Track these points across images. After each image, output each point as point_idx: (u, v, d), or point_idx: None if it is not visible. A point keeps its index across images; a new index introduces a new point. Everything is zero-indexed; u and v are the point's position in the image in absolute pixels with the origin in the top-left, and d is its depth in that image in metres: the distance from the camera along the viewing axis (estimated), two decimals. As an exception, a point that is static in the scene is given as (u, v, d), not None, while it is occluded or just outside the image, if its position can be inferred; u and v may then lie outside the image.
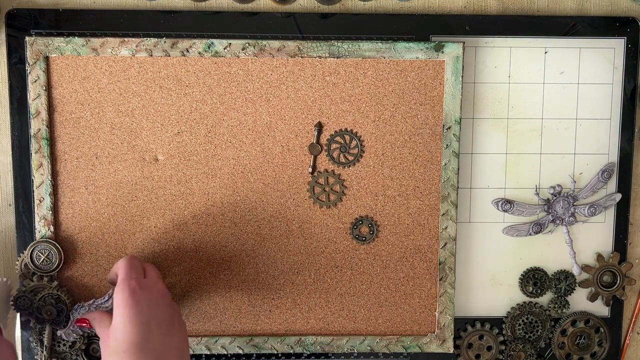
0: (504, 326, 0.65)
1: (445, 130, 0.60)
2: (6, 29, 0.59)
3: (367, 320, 0.63)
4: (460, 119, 0.60)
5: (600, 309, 0.66)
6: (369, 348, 0.62)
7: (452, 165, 0.60)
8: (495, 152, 0.63)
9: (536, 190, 0.63)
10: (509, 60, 0.62)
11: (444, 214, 0.61)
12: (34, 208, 0.60)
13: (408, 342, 0.63)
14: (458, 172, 0.61)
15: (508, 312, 0.65)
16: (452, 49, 0.59)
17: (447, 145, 0.60)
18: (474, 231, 0.64)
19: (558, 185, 0.63)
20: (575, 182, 0.63)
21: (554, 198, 0.63)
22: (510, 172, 0.63)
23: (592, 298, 0.65)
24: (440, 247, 0.62)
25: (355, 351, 0.63)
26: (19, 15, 0.59)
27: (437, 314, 0.63)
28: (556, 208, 0.63)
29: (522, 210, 0.63)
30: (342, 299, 0.63)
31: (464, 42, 0.59)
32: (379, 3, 0.61)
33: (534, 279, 0.64)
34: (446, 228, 0.61)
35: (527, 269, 0.64)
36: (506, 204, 0.63)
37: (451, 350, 0.63)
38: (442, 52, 0.59)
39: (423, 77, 0.60)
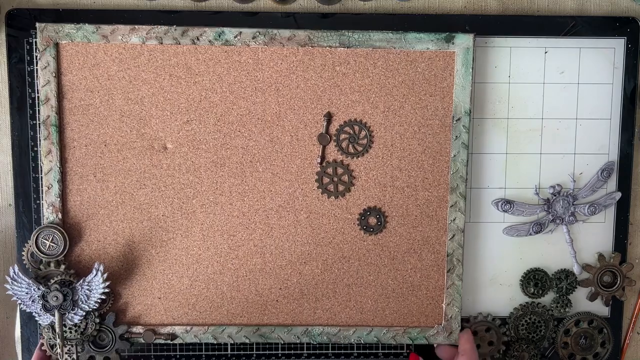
0: (507, 327, 0.64)
1: (454, 122, 0.60)
2: (6, 29, 0.59)
3: (374, 312, 0.63)
4: (470, 111, 0.60)
5: (600, 309, 0.66)
6: (375, 339, 0.62)
7: (461, 157, 0.60)
8: (495, 152, 0.63)
9: (536, 190, 0.63)
10: (509, 60, 0.62)
11: (452, 205, 0.61)
12: (33, 207, 0.60)
13: (415, 334, 0.63)
14: (467, 164, 0.61)
15: (511, 312, 0.65)
16: (463, 40, 0.59)
17: (456, 136, 0.60)
18: (474, 231, 0.63)
19: (558, 184, 0.63)
20: (574, 181, 0.63)
21: (554, 198, 0.63)
22: (510, 172, 0.63)
23: (592, 297, 0.65)
24: (449, 238, 0.61)
25: (362, 342, 0.62)
26: (19, 15, 0.59)
27: (444, 306, 0.62)
28: (556, 207, 0.63)
29: (522, 210, 0.63)
30: (350, 290, 0.62)
31: (474, 34, 0.59)
32: (379, 3, 0.61)
33: (534, 280, 0.64)
34: (454, 220, 0.61)
35: (528, 270, 0.64)
36: (506, 204, 0.63)
37: (457, 342, 0.63)
38: (453, 43, 0.59)
39: (433, 68, 0.60)
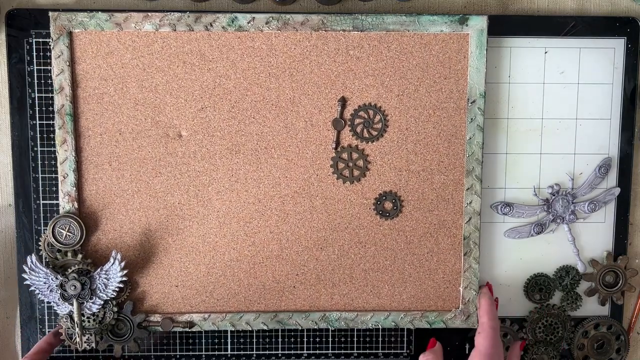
0: (524, 330, 0.64)
1: (469, 104, 0.60)
2: (6, 29, 0.59)
3: (392, 296, 0.63)
4: (485, 93, 0.60)
5: (601, 308, 0.65)
6: (393, 324, 0.62)
7: (476, 140, 0.60)
8: (495, 152, 0.63)
9: (534, 191, 0.63)
10: (509, 60, 0.62)
11: (468, 188, 0.61)
12: (33, 207, 0.60)
13: (432, 318, 0.62)
14: (483, 147, 0.61)
15: (527, 315, 0.65)
16: (477, 22, 0.59)
17: (471, 119, 0.60)
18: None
19: (556, 184, 0.63)
20: (572, 179, 0.63)
21: (553, 197, 0.63)
22: (510, 172, 0.63)
23: (590, 293, 0.65)
24: (465, 222, 0.61)
25: (380, 326, 0.62)
26: (19, 15, 0.59)
27: (461, 289, 0.62)
28: (556, 207, 0.63)
29: (521, 212, 0.63)
30: (366, 275, 0.62)
31: (488, 15, 0.59)
32: (379, 3, 0.61)
33: (538, 286, 0.64)
34: (471, 203, 0.61)
35: (530, 277, 0.64)
36: (505, 207, 0.63)
37: (476, 326, 0.63)
38: (467, 25, 0.59)
39: (447, 50, 0.60)
